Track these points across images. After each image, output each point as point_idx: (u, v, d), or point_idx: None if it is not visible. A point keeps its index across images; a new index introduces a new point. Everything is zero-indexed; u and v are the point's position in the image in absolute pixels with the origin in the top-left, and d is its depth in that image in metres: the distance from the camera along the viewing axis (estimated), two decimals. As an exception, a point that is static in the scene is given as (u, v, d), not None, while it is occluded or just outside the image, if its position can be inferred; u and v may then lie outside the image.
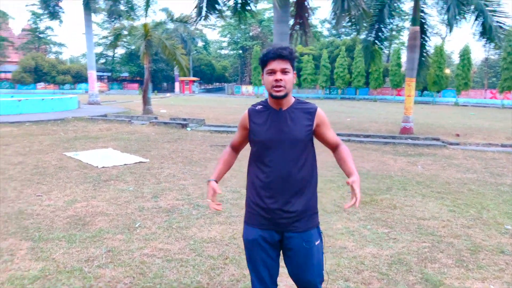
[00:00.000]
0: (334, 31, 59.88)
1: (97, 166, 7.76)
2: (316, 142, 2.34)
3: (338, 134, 2.56)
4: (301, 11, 13.52)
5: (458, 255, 4.05)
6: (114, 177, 6.96)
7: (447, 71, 43.20)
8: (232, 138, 2.51)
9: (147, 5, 20.52)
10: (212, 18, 13.37)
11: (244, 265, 3.63)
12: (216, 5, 12.93)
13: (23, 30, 64.99)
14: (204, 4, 12.53)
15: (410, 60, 14.35)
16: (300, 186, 2.23)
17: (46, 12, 30.09)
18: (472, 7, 13.08)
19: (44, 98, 20.14)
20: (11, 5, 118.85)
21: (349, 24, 13.81)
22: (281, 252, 2.36)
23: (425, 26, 15.17)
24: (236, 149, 2.52)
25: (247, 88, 59.65)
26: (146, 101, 20.22)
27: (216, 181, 2.41)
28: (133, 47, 42.90)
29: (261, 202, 2.26)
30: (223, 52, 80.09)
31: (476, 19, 13.36)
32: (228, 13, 14.46)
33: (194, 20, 13.53)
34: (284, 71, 2.15)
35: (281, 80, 2.13)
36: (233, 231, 4.53)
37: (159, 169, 7.68)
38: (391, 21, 16.69)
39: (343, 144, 2.39)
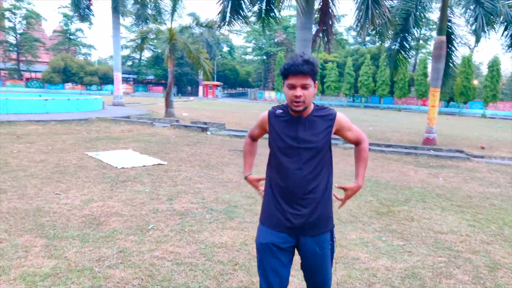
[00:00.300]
0: (359, 39, 59.45)
1: (116, 167, 7.87)
2: (334, 149, 2.32)
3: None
4: (325, 18, 13.43)
5: (475, 271, 3.92)
6: (131, 178, 7.04)
7: (475, 82, 42.30)
8: (251, 129, 2.56)
9: (174, 9, 20.81)
10: (237, 24, 13.44)
11: (253, 272, 3.60)
12: (240, 11, 12.99)
13: (54, 31, 66.88)
14: (228, 10, 12.60)
15: (435, 70, 14.11)
16: (315, 192, 2.24)
17: (76, 14, 30.87)
18: (501, 17, 12.76)
19: (70, 98, 20.60)
20: (44, 7, 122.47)
21: (374, 32, 13.66)
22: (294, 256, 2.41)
23: (452, 36, 14.89)
24: (255, 139, 2.62)
25: (269, 94, 59.80)
26: (168, 104, 20.51)
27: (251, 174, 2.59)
28: (159, 51, 43.58)
29: (278, 205, 2.29)
30: (248, 57, 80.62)
31: (505, 30, 13.04)
32: (253, 19, 14.51)
33: (218, 25, 13.62)
34: (304, 87, 2.14)
35: (300, 96, 2.13)
36: (244, 237, 4.49)
37: (176, 172, 7.73)
38: (417, 30, 16.43)
39: (365, 142, 2.42)
